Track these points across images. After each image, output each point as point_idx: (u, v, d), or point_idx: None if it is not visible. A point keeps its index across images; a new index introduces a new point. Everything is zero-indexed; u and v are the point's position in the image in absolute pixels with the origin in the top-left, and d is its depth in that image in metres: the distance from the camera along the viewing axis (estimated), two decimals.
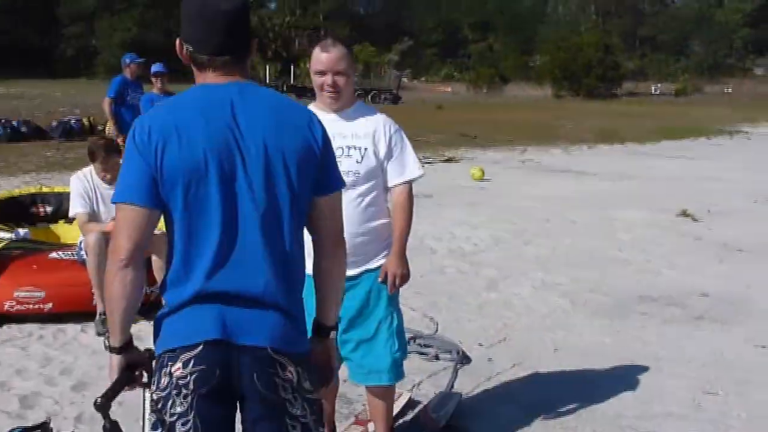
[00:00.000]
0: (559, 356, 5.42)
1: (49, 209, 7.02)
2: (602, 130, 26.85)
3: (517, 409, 4.48)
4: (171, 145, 2.15)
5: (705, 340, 5.84)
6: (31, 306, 5.56)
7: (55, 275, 5.76)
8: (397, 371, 3.62)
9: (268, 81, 46.83)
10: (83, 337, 5.46)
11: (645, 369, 5.17)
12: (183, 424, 2.18)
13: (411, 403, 4.49)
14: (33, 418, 4.11)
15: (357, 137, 3.45)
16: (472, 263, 8.14)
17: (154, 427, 2.24)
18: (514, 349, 5.54)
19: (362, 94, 45.97)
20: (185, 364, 2.15)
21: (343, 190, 3.29)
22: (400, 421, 4.29)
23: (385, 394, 3.71)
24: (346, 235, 3.32)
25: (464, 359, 5.27)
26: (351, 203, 3.39)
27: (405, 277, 3.51)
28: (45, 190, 7.38)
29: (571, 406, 4.50)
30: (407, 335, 5.44)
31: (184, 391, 2.16)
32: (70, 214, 5.73)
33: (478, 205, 11.75)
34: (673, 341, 5.80)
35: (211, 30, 2.24)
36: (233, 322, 2.16)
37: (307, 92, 46.72)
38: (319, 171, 2.29)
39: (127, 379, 2.33)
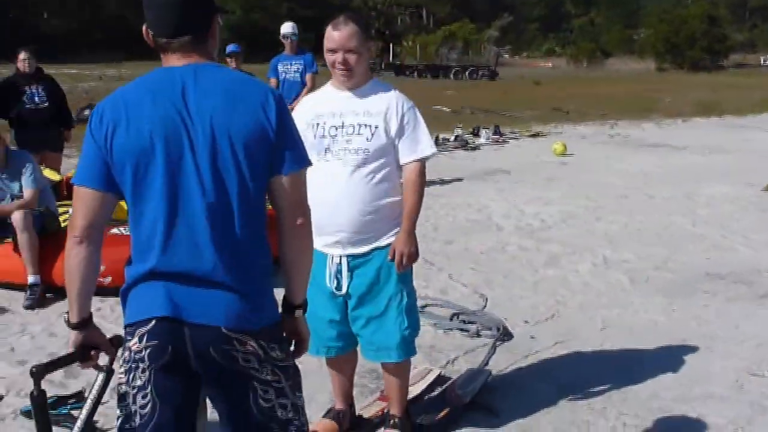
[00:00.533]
0: (606, 335, 5.25)
1: None
2: (703, 102, 25.86)
3: (547, 387, 4.35)
4: (120, 128, 2.18)
5: (765, 320, 5.54)
6: None
7: (115, 250, 5.89)
8: (406, 348, 3.56)
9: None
10: None
11: (694, 349, 4.94)
12: (143, 397, 2.22)
13: (441, 380, 4.41)
14: (74, 388, 4.24)
15: (369, 115, 3.40)
16: (538, 240, 7.96)
17: (120, 399, 2.30)
18: (562, 326, 5.39)
19: (459, 70, 45.67)
20: (140, 339, 2.20)
21: (352, 167, 3.30)
22: (427, 397, 4.23)
23: (398, 370, 3.66)
24: (353, 211, 3.33)
25: (505, 336, 5.15)
26: (361, 181, 3.36)
27: (412, 256, 3.43)
28: None
29: (604, 387, 4.35)
30: (451, 311, 5.41)
31: (142, 365, 2.21)
32: None
33: (556, 180, 11.50)
34: (731, 320, 5.53)
35: (166, 12, 2.24)
36: (183, 300, 2.18)
37: (405, 70, 46.81)
38: (273, 152, 2.24)
39: (80, 356, 2.37)
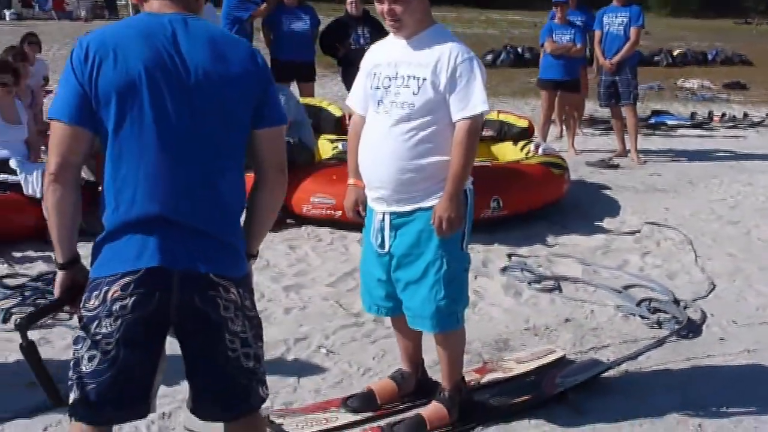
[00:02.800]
0: None
1: (491, 133, 7.83)
2: None
3: (671, 398, 3.69)
4: (107, 63, 2.16)
5: None
6: (323, 212, 6.15)
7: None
8: (441, 320, 3.28)
9: None
10: (355, 246, 5.80)
11: None
12: (107, 344, 2.18)
13: (558, 363, 3.99)
14: None
15: (419, 66, 3.17)
16: None
17: (75, 342, 2.27)
18: None
19: None
20: (124, 288, 2.15)
21: (395, 121, 3.16)
22: (531, 377, 3.87)
23: (444, 341, 3.39)
24: (392, 169, 3.18)
25: (687, 332, 4.43)
26: (401, 136, 3.17)
27: (454, 222, 3.15)
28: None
29: (740, 413, 3.56)
30: (643, 294, 4.82)
31: (116, 314, 2.16)
32: None
33: None
34: None
35: None
36: (172, 248, 2.17)
37: None
38: (258, 104, 2.29)
39: (68, 299, 2.32)
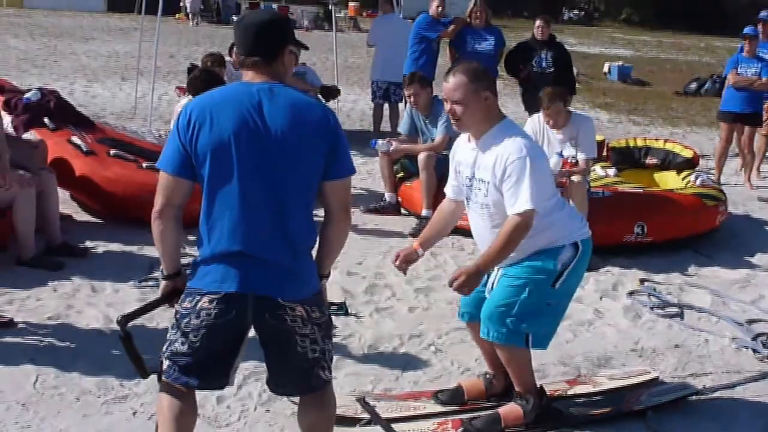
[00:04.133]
0: None
1: (654, 161, 8.01)
2: None
3: (753, 424, 3.78)
4: (204, 128, 2.66)
5: None
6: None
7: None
8: (500, 333, 3.52)
9: None
10: None
11: None
12: (194, 336, 2.73)
13: (650, 383, 4.15)
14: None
15: (485, 169, 3.47)
16: None
17: (171, 328, 2.83)
18: None
19: None
20: (210, 302, 2.70)
21: (481, 217, 3.61)
22: (628, 394, 4.03)
23: (503, 352, 3.63)
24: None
25: None
26: (492, 229, 3.50)
27: (462, 287, 3.41)
28: (652, 143, 8.26)
29: None
30: (760, 329, 4.84)
31: (203, 317, 2.71)
32: None
33: None
34: None
35: (246, 36, 2.78)
36: (249, 277, 2.68)
37: None
38: (327, 159, 2.74)
39: (167, 301, 2.90)
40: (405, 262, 3.66)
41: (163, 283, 2.92)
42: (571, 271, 3.58)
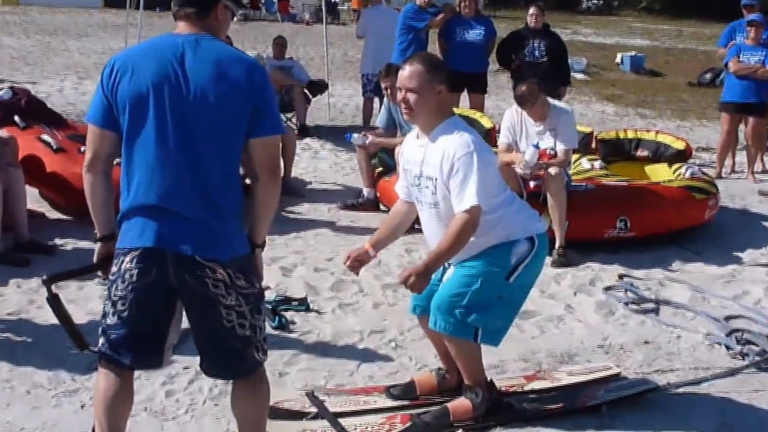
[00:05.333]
0: None
1: (645, 153, 8.07)
2: None
3: (708, 422, 3.86)
4: (125, 78, 2.74)
5: None
6: None
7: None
8: (448, 323, 3.60)
9: None
10: None
11: None
12: (122, 304, 2.80)
13: (610, 380, 4.23)
14: None
15: (432, 165, 3.55)
16: None
17: (106, 298, 2.88)
18: None
19: None
20: (131, 260, 2.76)
21: (430, 216, 3.70)
22: (584, 390, 4.12)
23: (450, 344, 3.71)
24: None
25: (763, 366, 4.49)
26: (442, 228, 3.57)
27: (414, 285, 3.43)
28: (643, 135, 8.31)
29: None
30: (737, 325, 4.91)
31: (127, 281, 2.77)
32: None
33: None
34: None
35: None
36: (166, 233, 2.72)
37: None
38: (251, 116, 2.78)
39: (101, 266, 2.97)
40: (356, 261, 3.75)
41: (98, 246, 2.97)
42: (527, 266, 3.66)
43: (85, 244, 5.97)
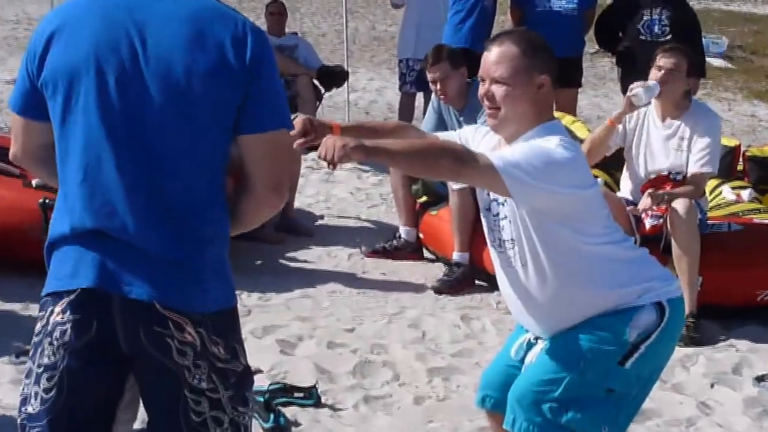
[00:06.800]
0: None
1: None
2: None
3: None
4: (56, 47, 2.68)
5: None
6: None
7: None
8: (531, 421, 3.60)
9: None
10: None
11: None
12: (48, 379, 2.68)
13: None
14: None
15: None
16: None
17: (26, 375, 2.78)
18: None
19: None
20: (63, 310, 2.66)
21: (511, 251, 3.68)
22: None
23: None
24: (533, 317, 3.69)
25: None
26: (527, 277, 3.62)
27: (337, 151, 3.07)
28: None
29: None
30: None
31: (58, 341, 2.66)
32: None
33: None
34: None
35: None
36: (112, 268, 2.63)
37: None
38: (243, 102, 2.69)
39: None
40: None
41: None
42: (652, 346, 3.64)
43: (7, 307, 6.14)
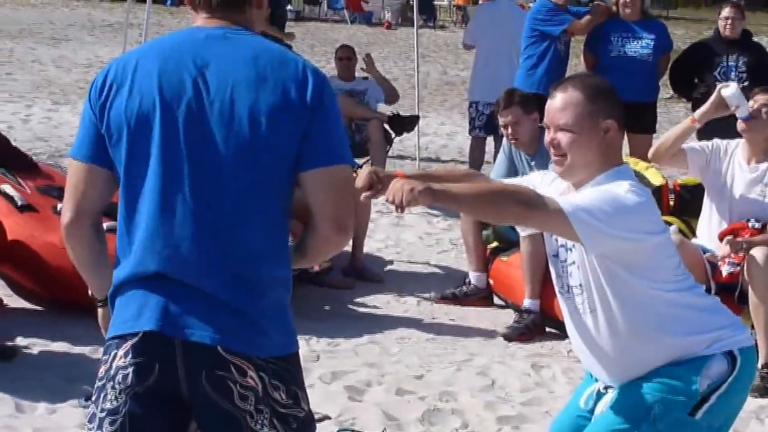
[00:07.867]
0: None
1: None
2: None
3: None
4: (122, 92, 2.74)
5: None
6: None
7: None
8: None
9: None
10: None
11: None
12: (111, 423, 2.72)
13: None
14: None
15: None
16: None
17: (89, 419, 2.82)
18: None
19: None
20: (126, 354, 2.70)
21: (576, 306, 3.69)
22: None
23: None
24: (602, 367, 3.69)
25: None
26: (597, 327, 3.61)
27: (406, 193, 3.07)
28: None
29: None
30: None
31: (120, 386, 2.71)
32: None
33: None
34: None
35: None
36: (175, 312, 2.69)
37: None
38: (304, 140, 2.75)
39: None
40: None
41: (99, 312, 3.07)
42: (723, 396, 3.60)
43: (58, 347, 6.22)
